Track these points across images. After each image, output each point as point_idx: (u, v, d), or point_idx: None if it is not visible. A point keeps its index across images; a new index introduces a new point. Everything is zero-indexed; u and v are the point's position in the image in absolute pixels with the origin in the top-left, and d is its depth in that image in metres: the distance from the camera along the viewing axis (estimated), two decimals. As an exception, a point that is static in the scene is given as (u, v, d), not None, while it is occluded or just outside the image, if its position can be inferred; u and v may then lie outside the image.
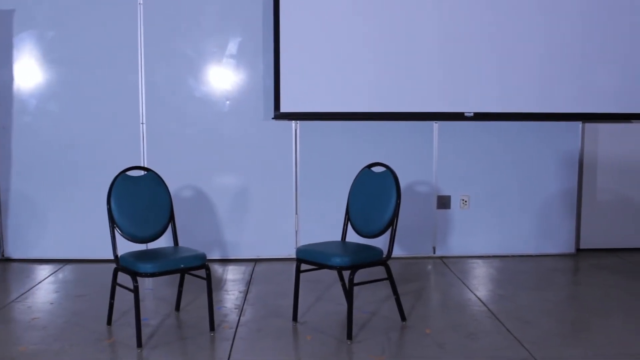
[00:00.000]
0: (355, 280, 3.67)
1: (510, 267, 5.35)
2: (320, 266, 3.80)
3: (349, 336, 3.65)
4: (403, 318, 3.97)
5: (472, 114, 5.35)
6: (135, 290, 3.57)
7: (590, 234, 5.84)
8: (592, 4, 5.37)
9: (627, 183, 5.81)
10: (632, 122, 5.72)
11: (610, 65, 5.43)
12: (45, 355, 3.47)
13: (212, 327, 3.81)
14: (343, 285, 4.19)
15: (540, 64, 5.37)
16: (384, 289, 4.41)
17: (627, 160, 5.79)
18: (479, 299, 4.48)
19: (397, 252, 5.53)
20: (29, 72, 5.32)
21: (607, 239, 5.86)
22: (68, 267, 5.29)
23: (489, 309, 4.24)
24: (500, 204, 5.65)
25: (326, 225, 5.30)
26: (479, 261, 5.52)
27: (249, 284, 4.85)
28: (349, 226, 4.10)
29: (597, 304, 4.38)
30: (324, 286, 4.70)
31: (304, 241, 5.17)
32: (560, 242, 5.72)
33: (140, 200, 3.92)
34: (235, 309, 4.26)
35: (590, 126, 5.72)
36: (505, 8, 5.31)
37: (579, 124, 5.64)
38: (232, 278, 5.02)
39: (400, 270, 5.18)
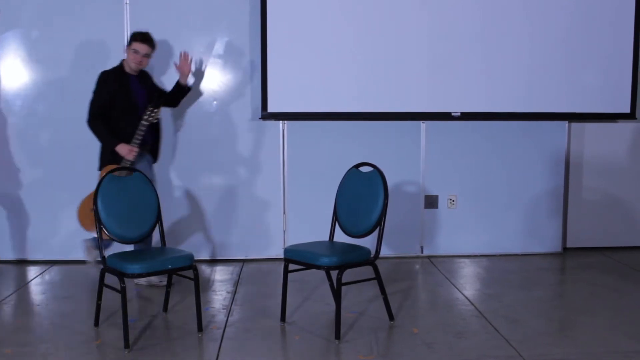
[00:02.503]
0: (343, 280, 3.67)
1: (498, 266, 5.37)
2: (308, 266, 3.80)
3: (337, 336, 3.65)
4: (391, 318, 3.98)
5: (459, 114, 5.37)
6: (123, 291, 3.55)
7: (577, 232, 5.87)
8: (577, 4, 5.40)
9: (613, 182, 5.85)
10: (617, 122, 5.76)
11: (596, 65, 5.47)
12: (31, 357, 3.45)
13: (200, 328, 3.80)
14: (331, 285, 4.19)
15: (527, 64, 5.40)
16: (372, 288, 4.42)
17: (612, 159, 5.83)
18: (466, 298, 4.50)
19: (384, 251, 5.54)
20: (14, 72, 5.28)
21: (593, 238, 5.89)
22: (54, 269, 5.26)
23: (476, 308, 4.26)
24: (487, 203, 5.67)
25: (314, 225, 5.30)
26: (467, 260, 5.54)
27: (236, 284, 4.85)
28: (337, 226, 4.10)
29: (584, 303, 4.40)
30: (312, 286, 4.70)
31: (292, 241, 5.16)
32: (547, 241, 5.75)
33: (127, 200, 3.90)
34: (223, 309, 4.25)
35: (576, 126, 5.75)
36: (492, 8, 5.33)
37: (565, 124, 5.67)
38: (220, 278, 5.01)
39: (388, 269, 5.19)
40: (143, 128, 4.53)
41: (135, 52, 4.60)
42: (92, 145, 5.26)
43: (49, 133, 5.32)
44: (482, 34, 5.34)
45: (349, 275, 3.73)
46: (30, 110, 5.30)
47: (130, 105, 4.62)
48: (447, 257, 5.61)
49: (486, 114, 5.44)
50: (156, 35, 5.26)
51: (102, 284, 3.81)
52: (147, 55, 4.65)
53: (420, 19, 5.31)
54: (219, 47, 5.36)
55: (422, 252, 5.67)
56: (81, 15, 5.23)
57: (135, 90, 4.67)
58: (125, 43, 5.25)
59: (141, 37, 4.61)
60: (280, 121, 5.43)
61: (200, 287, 3.83)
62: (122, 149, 4.52)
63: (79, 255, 5.34)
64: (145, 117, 4.51)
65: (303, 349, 3.58)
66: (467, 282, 4.93)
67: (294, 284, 4.53)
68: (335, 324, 3.66)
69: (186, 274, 3.79)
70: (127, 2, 5.24)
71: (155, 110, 4.54)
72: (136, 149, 4.52)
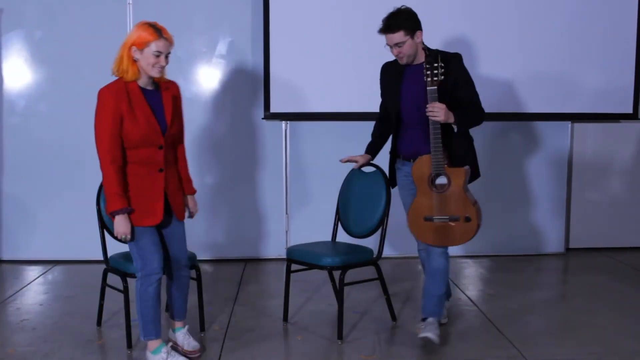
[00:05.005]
0: (346, 280, 3.67)
1: (500, 266, 5.37)
2: (311, 266, 3.80)
3: (340, 336, 3.65)
4: (393, 318, 3.98)
5: (461, 114, 5.36)
6: (125, 291, 3.56)
7: (580, 233, 5.86)
8: (579, 3, 5.39)
9: (615, 182, 5.84)
10: (620, 122, 5.76)
11: (599, 65, 5.45)
12: (34, 357, 3.45)
13: (202, 328, 3.80)
14: (333, 285, 4.19)
15: (529, 64, 5.39)
16: (375, 288, 4.42)
17: (615, 159, 5.82)
18: (469, 298, 4.49)
19: (387, 252, 5.51)
20: (17, 73, 5.29)
21: (596, 239, 5.88)
22: (57, 268, 5.26)
23: (479, 309, 4.25)
24: (489, 204, 5.64)
25: (316, 225, 5.30)
26: (469, 261, 5.53)
27: (239, 284, 4.85)
28: (340, 226, 4.10)
29: (586, 303, 4.40)
30: (314, 286, 4.70)
31: (294, 241, 5.16)
32: (549, 242, 5.75)
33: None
34: (226, 309, 4.25)
35: (579, 126, 5.74)
36: (495, 7, 5.32)
37: (568, 124, 5.66)
38: (223, 278, 5.01)
39: (390, 270, 5.18)
40: (434, 96, 3.44)
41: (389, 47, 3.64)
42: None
43: (53, 133, 5.33)
44: (484, 33, 5.33)
45: (351, 275, 3.72)
46: (34, 110, 5.31)
47: (393, 102, 3.75)
48: (449, 258, 5.59)
49: (489, 114, 5.40)
50: (159, 36, 5.28)
51: (104, 283, 3.81)
52: (399, 45, 3.58)
53: (422, 18, 5.29)
54: (221, 48, 5.37)
55: (424, 253, 5.66)
56: (84, 16, 5.23)
57: (406, 84, 3.67)
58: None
59: (383, 28, 3.62)
60: (283, 121, 5.44)
61: (202, 287, 3.83)
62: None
63: (82, 255, 5.36)
64: (429, 79, 3.44)
65: (305, 349, 3.58)
66: (470, 282, 4.93)
67: (296, 284, 4.52)
68: (338, 324, 3.66)
69: (189, 274, 3.80)
70: (130, 2, 5.25)
71: (436, 64, 3.44)
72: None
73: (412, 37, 3.59)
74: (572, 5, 5.38)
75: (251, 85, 5.40)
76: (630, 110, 5.53)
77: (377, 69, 5.24)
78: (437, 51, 3.59)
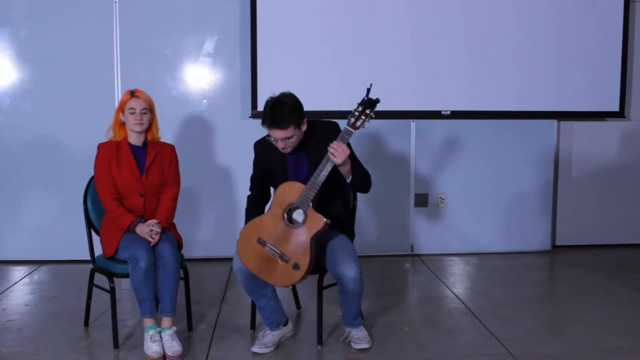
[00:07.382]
0: (325, 283, 3.63)
1: (487, 264, 5.39)
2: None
3: (320, 341, 3.58)
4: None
5: (449, 112, 5.38)
6: (112, 291, 3.54)
7: (566, 231, 5.89)
8: (566, 3, 5.42)
9: (601, 180, 5.88)
10: (606, 120, 5.79)
11: (585, 64, 5.49)
12: (20, 357, 3.43)
13: (190, 327, 3.79)
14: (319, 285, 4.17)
15: (516, 62, 5.41)
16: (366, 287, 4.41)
17: (601, 157, 5.85)
18: (456, 296, 4.51)
19: (374, 250, 5.54)
20: (2, 71, 5.25)
21: (582, 236, 5.92)
22: (43, 268, 5.23)
23: (466, 306, 4.27)
24: (477, 201, 5.68)
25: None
26: (456, 259, 5.55)
27: (226, 283, 4.84)
28: None
29: (573, 300, 4.42)
30: (300, 285, 4.67)
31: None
32: (536, 239, 5.77)
33: (116, 200, 3.89)
34: (213, 308, 4.24)
35: (565, 124, 5.77)
36: (482, 7, 5.34)
37: (555, 122, 5.69)
38: (210, 277, 4.99)
39: (377, 268, 5.19)
40: (345, 138, 3.29)
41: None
42: (82, 144, 5.23)
43: (38, 131, 5.29)
44: (472, 32, 5.36)
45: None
46: (19, 109, 5.27)
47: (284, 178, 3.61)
48: (436, 256, 5.62)
49: (476, 113, 5.45)
50: (144, 34, 5.26)
51: (91, 283, 3.79)
52: (288, 139, 3.41)
53: (410, 18, 5.31)
54: (208, 46, 5.35)
55: (412, 251, 5.67)
56: (70, 15, 5.20)
57: (290, 161, 3.61)
58: (115, 41, 5.25)
59: (269, 122, 3.44)
60: (270, 120, 5.42)
61: (190, 287, 3.82)
62: None
63: (69, 254, 5.33)
64: (352, 120, 3.35)
65: (296, 348, 3.58)
66: (457, 280, 4.94)
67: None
68: (317, 329, 3.60)
69: (176, 273, 3.78)
70: (116, 0, 5.22)
71: (369, 111, 3.37)
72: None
73: (300, 128, 3.38)
74: (559, 4, 5.41)
75: (238, 84, 5.39)
76: (616, 109, 5.58)
77: (365, 67, 5.29)
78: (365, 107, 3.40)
